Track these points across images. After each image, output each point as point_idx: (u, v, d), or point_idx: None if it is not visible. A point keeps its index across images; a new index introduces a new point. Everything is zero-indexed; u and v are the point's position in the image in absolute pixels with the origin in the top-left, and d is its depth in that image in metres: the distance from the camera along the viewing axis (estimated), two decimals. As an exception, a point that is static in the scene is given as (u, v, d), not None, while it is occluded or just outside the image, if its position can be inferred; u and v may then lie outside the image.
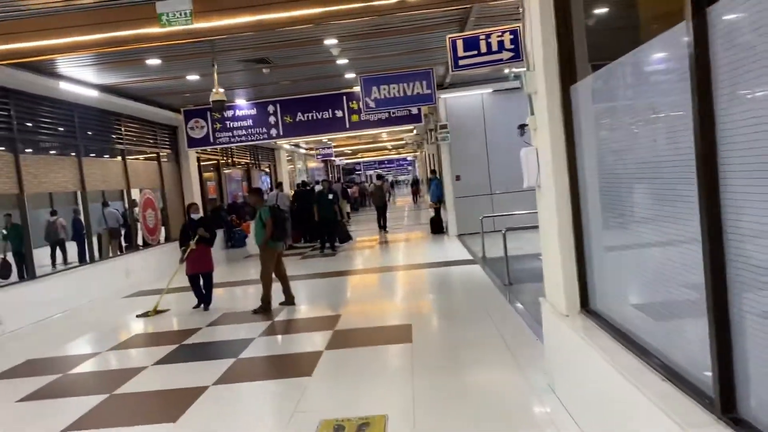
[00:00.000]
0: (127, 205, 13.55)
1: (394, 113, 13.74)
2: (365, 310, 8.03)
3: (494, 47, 8.09)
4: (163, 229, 14.57)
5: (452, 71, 8.19)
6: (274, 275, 8.39)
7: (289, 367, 5.86)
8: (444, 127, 15.55)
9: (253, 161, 22.88)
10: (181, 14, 6.58)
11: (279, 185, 19.29)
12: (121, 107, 12.43)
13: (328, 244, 15.28)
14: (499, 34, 8.10)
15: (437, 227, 16.83)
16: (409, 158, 51.67)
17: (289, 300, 8.59)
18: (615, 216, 3.61)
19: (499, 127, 15.60)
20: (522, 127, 4.41)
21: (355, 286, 10.14)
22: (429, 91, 10.84)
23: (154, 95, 12.66)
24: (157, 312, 8.85)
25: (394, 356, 5.77)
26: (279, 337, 7.07)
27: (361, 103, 10.98)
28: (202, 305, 8.86)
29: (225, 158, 19.66)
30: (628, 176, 3.42)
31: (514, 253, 11.55)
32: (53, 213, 13.57)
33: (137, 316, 8.82)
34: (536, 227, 4.95)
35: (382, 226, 19.36)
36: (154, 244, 13.81)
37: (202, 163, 17.87)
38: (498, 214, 12.76)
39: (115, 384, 5.63)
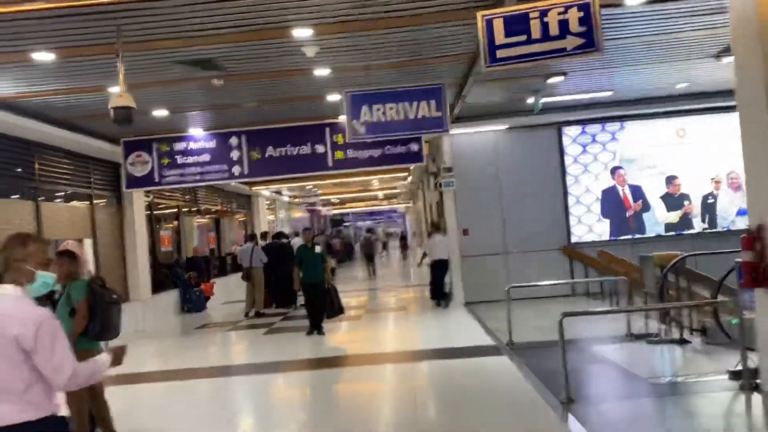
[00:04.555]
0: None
1: (389, 149, 10.80)
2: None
3: (553, 30, 5.14)
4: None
5: (486, 66, 5.23)
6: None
7: None
8: (449, 170, 12.68)
9: (225, 208, 19.87)
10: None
11: (252, 237, 15.63)
12: (31, 133, 9.45)
13: (315, 324, 10.19)
14: (562, 10, 5.19)
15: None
16: (400, 209, 48.89)
17: None
18: None
19: (516, 172, 12.76)
20: None
21: (324, 399, 6.92)
22: (439, 114, 7.88)
23: (77, 118, 9.66)
24: None
25: None
26: None
27: (346, 130, 8.03)
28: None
29: (187, 204, 16.63)
30: None
31: (546, 337, 8.52)
32: None
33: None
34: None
35: (372, 272, 22.87)
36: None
37: (157, 211, 14.83)
38: (523, 285, 9.66)
39: None
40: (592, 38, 5.02)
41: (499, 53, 5.13)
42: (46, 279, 2.63)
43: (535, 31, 5.08)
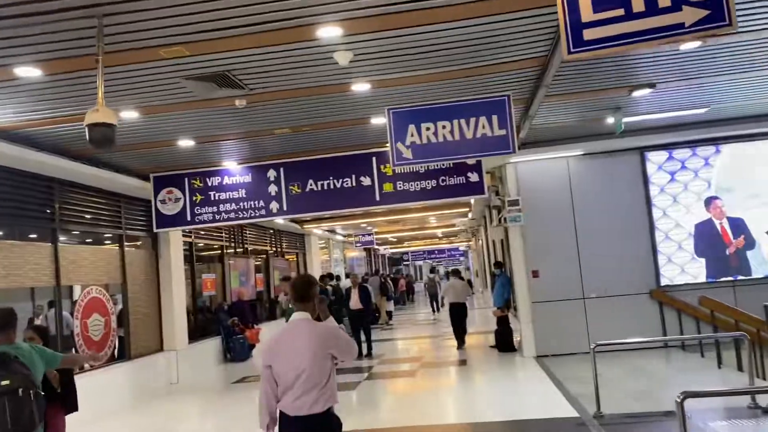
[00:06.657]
0: (61, 309, 9.37)
1: (444, 180, 9.44)
2: None
3: (663, 0, 3.79)
4: (117, 341, 10.35)
5: (568, 53, 3.80)
6: None
7: None
8: (515, 203, 11.15)
9: (274, 248, 18.87)
10: None
11: (286, 279, 14.34)
12: (49, 168, 8.61)
13: None
14: (676, -30, 3.76)
15: (505, 343, 12.07)
16: (461, 248, 47.07)
17: None
18: None
19: (593, 205, 11.09)
20: None
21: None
22: (503, 132, 6.43)
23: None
24: None
25: None
26: None
27: (390, 154, 6.71)
28: None
29: (232, 244, 15.65)
30: None
31: (644, 407, 6.88)
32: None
33: None
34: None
35: (435, 309, 24.11)
36: (99, 363, 9.56)
37: (198, 252, 13.88)
38: (612, 342, 7.93)
39: None
40: (722, 7, 3.53)
41: (587, 34, 3.71)
42: None
43: (637, 3, 3.65)
